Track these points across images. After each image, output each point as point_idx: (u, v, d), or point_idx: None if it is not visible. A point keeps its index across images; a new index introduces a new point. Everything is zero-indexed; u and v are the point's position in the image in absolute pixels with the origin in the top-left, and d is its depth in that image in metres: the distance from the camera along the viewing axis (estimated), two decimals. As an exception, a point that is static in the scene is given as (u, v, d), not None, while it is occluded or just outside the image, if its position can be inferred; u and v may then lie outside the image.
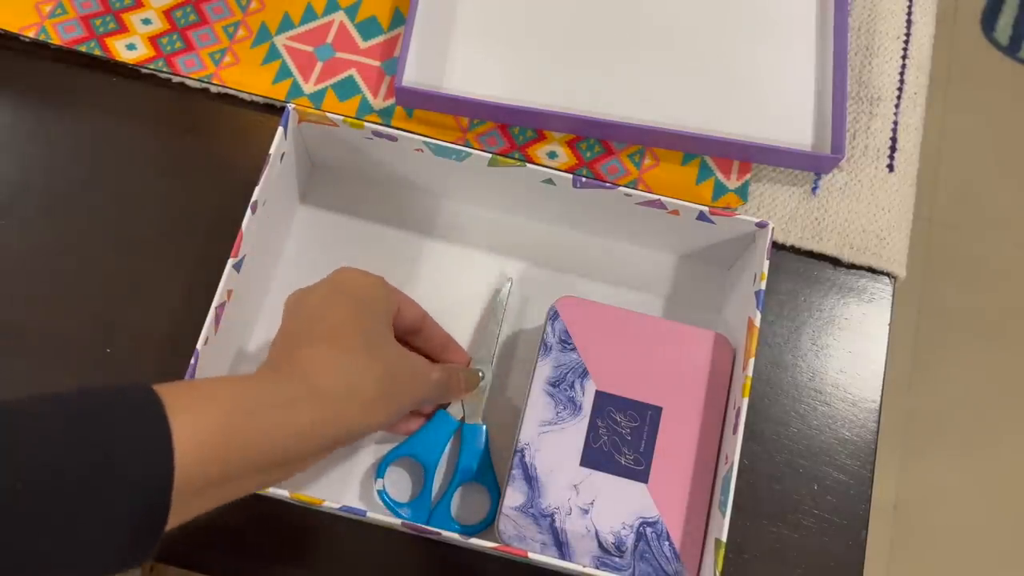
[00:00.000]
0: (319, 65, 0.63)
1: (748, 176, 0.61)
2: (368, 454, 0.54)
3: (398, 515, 0.50)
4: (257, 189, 0.50)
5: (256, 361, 0.55)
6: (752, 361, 0.49)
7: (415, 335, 0.51)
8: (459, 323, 0.56)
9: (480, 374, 0.54)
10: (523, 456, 0.50)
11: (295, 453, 0.40)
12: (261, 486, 0.41)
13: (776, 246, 0.60)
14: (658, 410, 0.51)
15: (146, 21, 0.63)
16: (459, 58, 0.63)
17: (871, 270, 0.60)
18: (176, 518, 0.35)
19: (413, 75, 0.62)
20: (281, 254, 0.58)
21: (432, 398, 0.51)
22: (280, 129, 0.51)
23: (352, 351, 0.43)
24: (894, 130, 0.63)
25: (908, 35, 0.66)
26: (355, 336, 0.44)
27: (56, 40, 0.61)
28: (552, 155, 0.61)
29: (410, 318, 0.50)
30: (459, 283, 0.58)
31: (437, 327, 0.53)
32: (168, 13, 0.63)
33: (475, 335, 0.56)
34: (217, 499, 0.38)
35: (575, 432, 0.51)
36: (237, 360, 0.54)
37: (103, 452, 0.33)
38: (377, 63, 0.63)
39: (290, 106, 0.52)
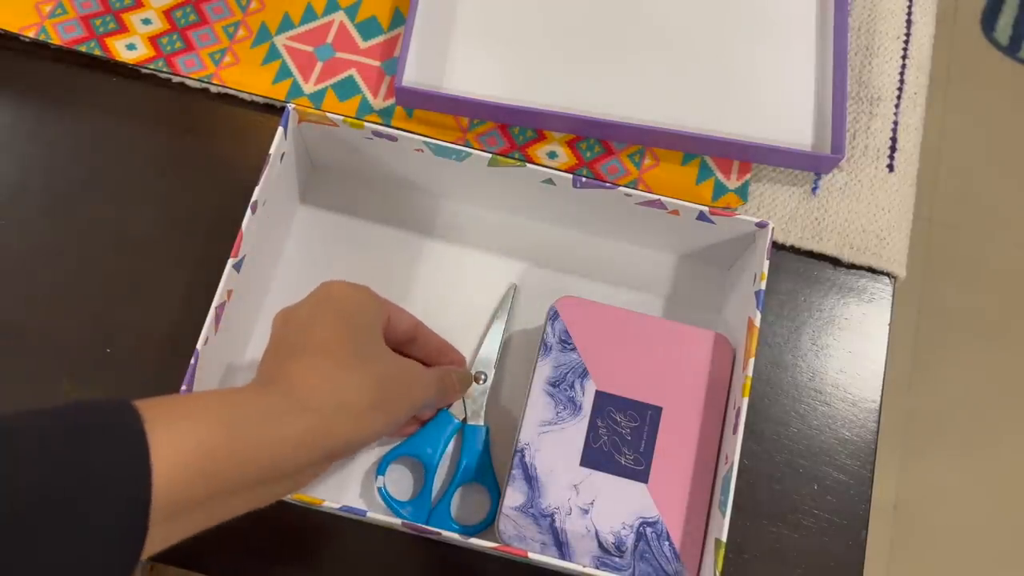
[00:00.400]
0: (319, 65, 0.63)
1: (748, 176, 0.61)
2: (368, 454, 0.54)
3: (398, 514, 0.50)
4: (257, 189, 0.50)
5: (256, 363, 0.55)
6: (752, 361, 0.49)
7: (410, 344, 0.51)
8: (458, 323, 0.56)
9: (483, 376, 0.54)
10: (523, 456, 0.50)
11: (290, 467, 0.39)
12: (261, 502, 0.40)
13: (776, 246, 0.60)
14: (658, 410, 0.51)
15: (146, 21, 0.63)
16: (459, 58, 0.63)
17: (871, 270, 0.60)
18: (166, 534, 0.34)
19: (413, 75, 0.62)
20: (281, 254, 0.58)
21: (430, 403, 0.51)
22: (280, 129, 0.51)
23: (344, 363, 0.42)
24: (894, 130, 0.63)
25: (908, 35, 0.66)
26: (345, 348, 0.43)
27: (56, 40, 0.61)
28: (552, 155, 0.61)
29: (403, 328, 0.50)
30: (459, 283, 0.58)
31: (432, 334, 0.53)
32: (168, 13, 0.63)
33: (476, 337, 0.56)
34: (212, 515, 0.37)
35: (575, 432, 0.51)
36: (237, 361, 0.54)
37: (83, 471, 0.32)
38: (377, 63, 0.63)
39: (290, 106, 0.52)
